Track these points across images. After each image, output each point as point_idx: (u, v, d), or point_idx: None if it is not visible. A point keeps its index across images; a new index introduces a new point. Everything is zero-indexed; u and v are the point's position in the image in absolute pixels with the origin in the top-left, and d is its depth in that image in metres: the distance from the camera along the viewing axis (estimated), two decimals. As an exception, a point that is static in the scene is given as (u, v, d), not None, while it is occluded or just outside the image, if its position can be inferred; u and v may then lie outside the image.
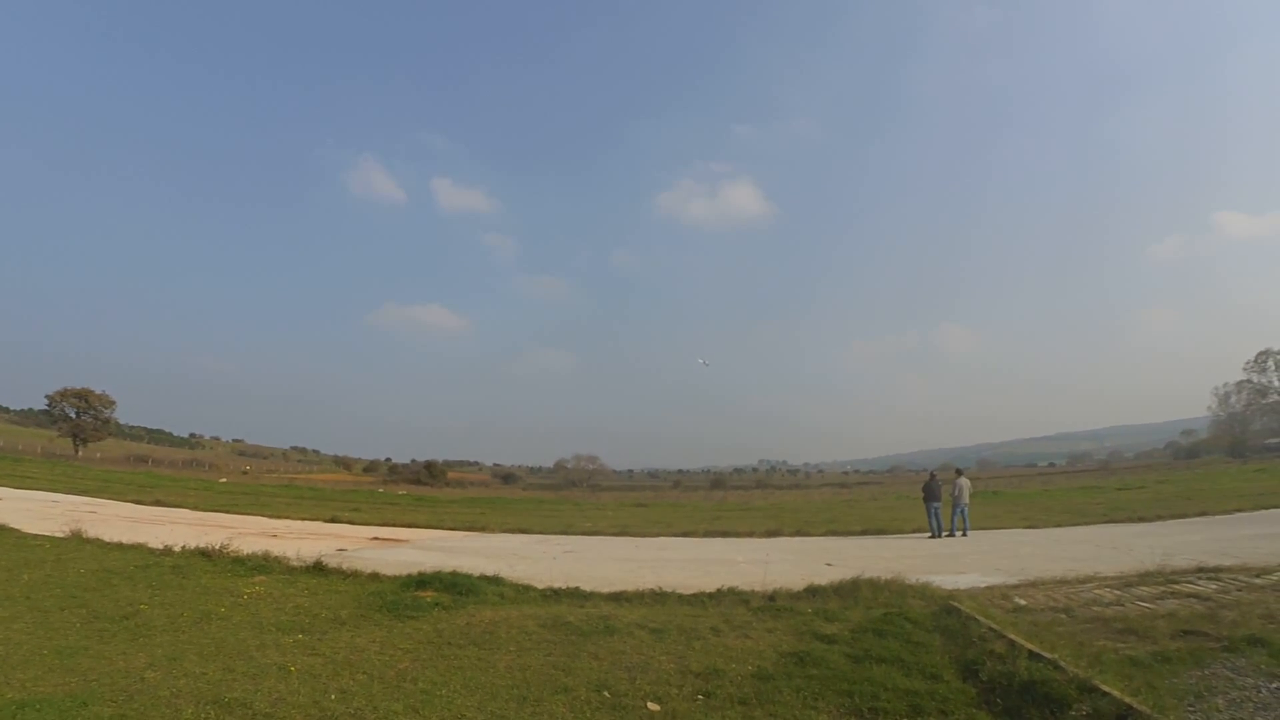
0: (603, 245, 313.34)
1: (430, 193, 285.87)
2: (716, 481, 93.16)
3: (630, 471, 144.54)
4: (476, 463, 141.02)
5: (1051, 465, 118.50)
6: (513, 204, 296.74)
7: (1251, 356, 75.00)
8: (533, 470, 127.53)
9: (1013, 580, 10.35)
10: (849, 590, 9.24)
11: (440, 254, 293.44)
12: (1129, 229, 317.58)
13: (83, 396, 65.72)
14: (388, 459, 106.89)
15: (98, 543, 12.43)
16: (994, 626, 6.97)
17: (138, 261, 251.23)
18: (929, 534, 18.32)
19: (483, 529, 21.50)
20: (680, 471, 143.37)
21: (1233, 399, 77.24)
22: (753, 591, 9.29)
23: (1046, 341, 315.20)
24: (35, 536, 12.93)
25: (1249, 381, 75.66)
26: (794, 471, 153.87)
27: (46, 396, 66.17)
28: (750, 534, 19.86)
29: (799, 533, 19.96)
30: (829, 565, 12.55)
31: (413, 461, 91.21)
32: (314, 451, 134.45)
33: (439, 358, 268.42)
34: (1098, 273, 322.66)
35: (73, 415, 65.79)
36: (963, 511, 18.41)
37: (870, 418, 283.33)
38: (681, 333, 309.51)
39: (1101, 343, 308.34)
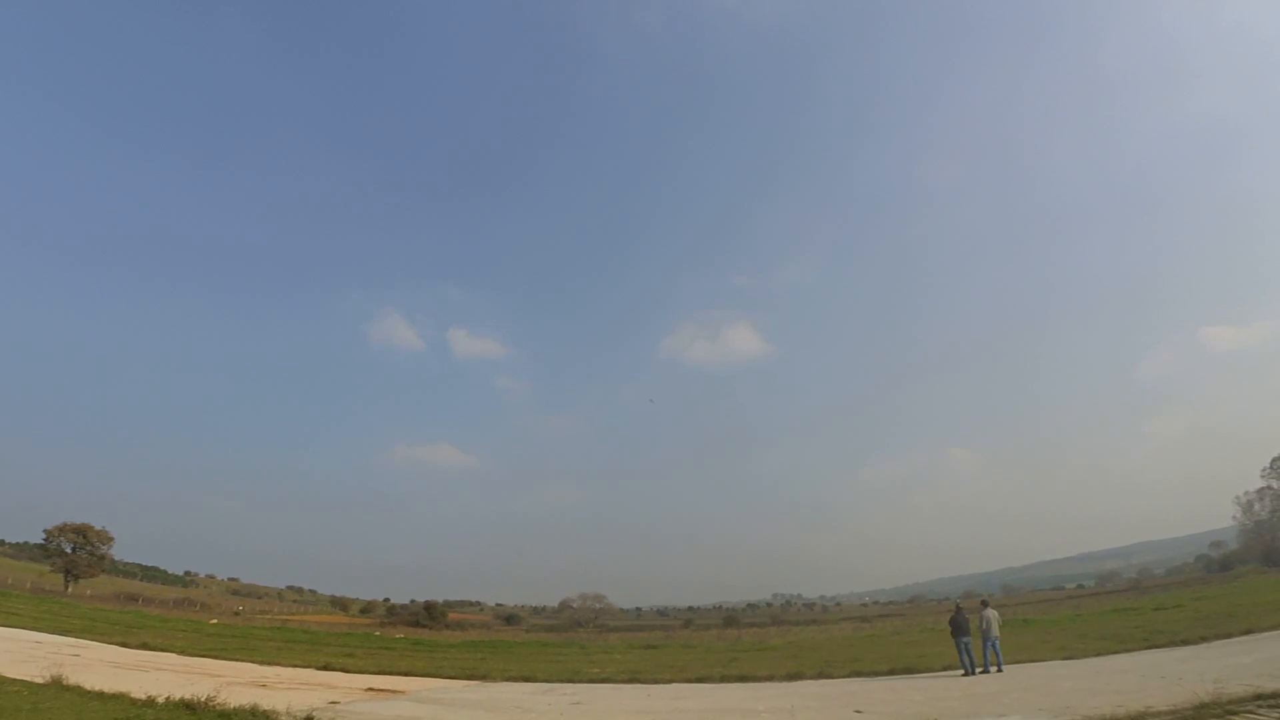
0: (609, 386, 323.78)
1: (447, 341, 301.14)
2: (729, 619, 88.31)
3: (639, 610, 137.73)
4: (478, 603, 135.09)
5: (1081, 587, 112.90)
6: (524, 350, 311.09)
7: (1268, 463, 74.19)
8: (536, 610, 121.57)
9: (1059, 723, 9.54)
10: (882, 742, 8.52)
11: (453, 397, 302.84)
12: (1119, 345, 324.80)
13: (81, 532, 64.52)
14: (386, 599, 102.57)
15: (78, 690, 11.69)
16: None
17: (149, 400, 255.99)
18: (962, 671, 17.15)
19: (484, 677, 20.24)
20: (691, 609, 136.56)
21: (1256, 506, 76.07)
22: (777, 744, 8.57)
23: (1052, 462, 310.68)
24: (13, 681, 12.22)
25: (1270, 488, 74.52)
26: (810, 605, 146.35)
27: (45, 531, 65.05)
28: (770, 677, 18.64)
29: (822, 674, 18.76)
30: (858, 713, 11.65)
31: (412, 602, 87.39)
32: (310, 591, 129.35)
33: (444, 496, 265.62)
34: (1092, 390, 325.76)
35: (69, 550, 64.24)
36: (994, 645, 17.31)
37: (884, 546, 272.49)
38: (686, 469, 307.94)
39: (1109, 460, 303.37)
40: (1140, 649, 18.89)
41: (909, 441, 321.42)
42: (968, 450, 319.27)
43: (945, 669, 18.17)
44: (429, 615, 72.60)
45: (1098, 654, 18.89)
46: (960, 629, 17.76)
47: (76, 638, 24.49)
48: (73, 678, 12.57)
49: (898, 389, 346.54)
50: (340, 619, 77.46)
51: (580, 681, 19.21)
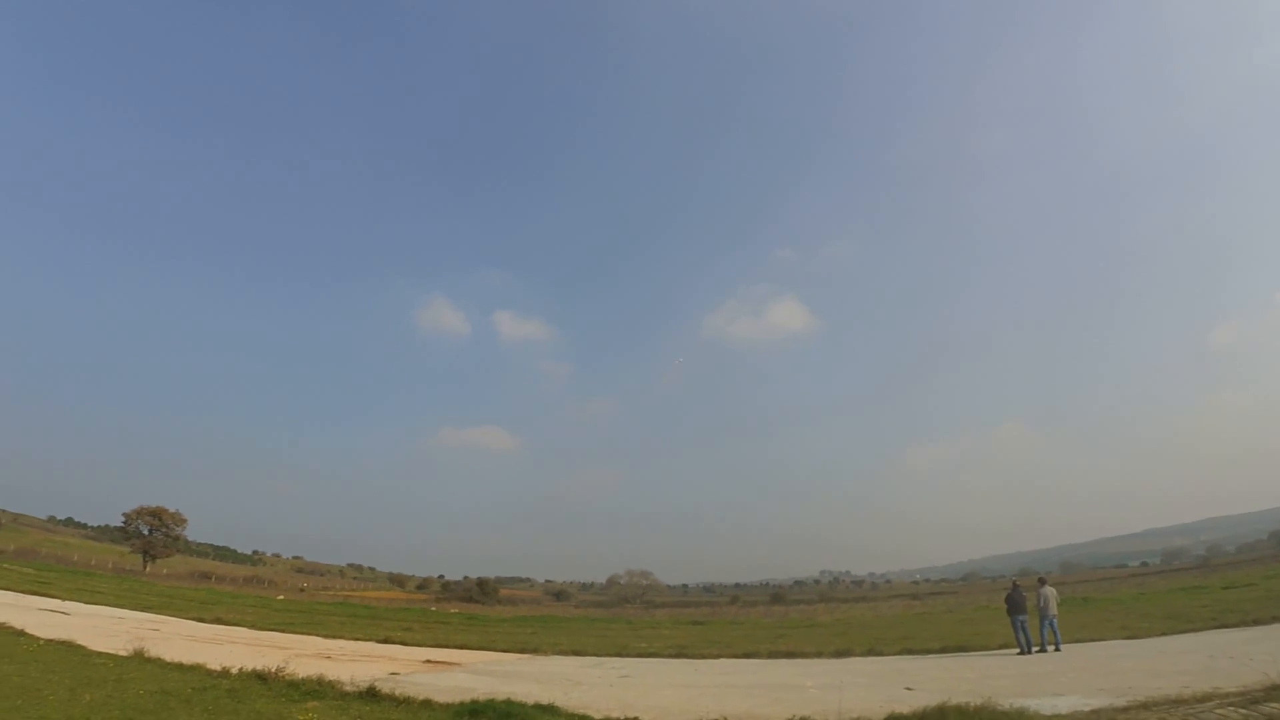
0: (652, 367, 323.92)
1: (493, 325, 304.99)
2: (777, 596, 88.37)
3: (685, 586, 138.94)
4: (528, 579, 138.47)
5: (1145, 564, 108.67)
6: (568, 332, 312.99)
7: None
8: (584, 587, 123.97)
9: (1120, 701, 9.23)
10: (935, 719, 8.43)
11: (500, 380, 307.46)
12: (1189, 315, 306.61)
13: (157, 515, 68.25)
14: (440, 576, 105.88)
15: (158, 662, 12.46)
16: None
17: (221, 399, 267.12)
18: (1017, 650, 16.81)
19: (535, 650, 20.72)
20: (737, 585, 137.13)
21: (1337, 480, 71.84)
22: (826, 720, 8.57)
23: (1113, 436, 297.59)
24: (100, 654, 13.06)
25: None
26: (859, 582, 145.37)
27: (123, 514, 69.04)
28: (818, 654, 18.58)
29: (871, 652, 18.57)
30: (909, 690, 11.53)
31: (465, 578, 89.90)
32: (369, 569, 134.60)
33: (494, 476, 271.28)
34: (1158, 360, 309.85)
35: (146, 532, 68.05)
36: (1051, 623, 16.90)
37: (935, 523, 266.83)
38: (730, 448, 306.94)
39: (1176, 433, 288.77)
40: (1208, 629, 18.19)
41: (961, 416, 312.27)
42: (1022, 424, 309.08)
43: (1000, 647, 17.82)
44: (481, 591, 74.78)
45: (1162, 634, 18.25)
46: (1017, 606, 17.38)
47: (155, 614, 26.03)
48: (154, 650, 13.38)
49: (947, 363, 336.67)
50: (398, 595, 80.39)
51: (628, 656, 19.49)
